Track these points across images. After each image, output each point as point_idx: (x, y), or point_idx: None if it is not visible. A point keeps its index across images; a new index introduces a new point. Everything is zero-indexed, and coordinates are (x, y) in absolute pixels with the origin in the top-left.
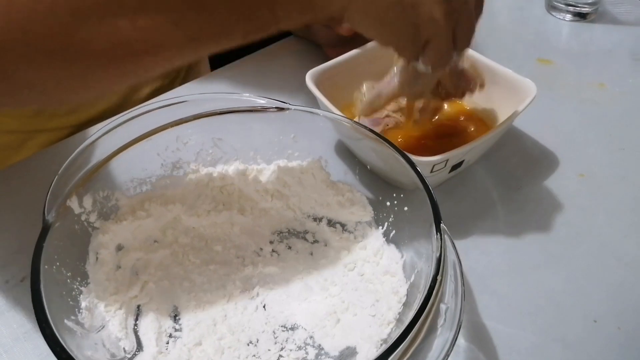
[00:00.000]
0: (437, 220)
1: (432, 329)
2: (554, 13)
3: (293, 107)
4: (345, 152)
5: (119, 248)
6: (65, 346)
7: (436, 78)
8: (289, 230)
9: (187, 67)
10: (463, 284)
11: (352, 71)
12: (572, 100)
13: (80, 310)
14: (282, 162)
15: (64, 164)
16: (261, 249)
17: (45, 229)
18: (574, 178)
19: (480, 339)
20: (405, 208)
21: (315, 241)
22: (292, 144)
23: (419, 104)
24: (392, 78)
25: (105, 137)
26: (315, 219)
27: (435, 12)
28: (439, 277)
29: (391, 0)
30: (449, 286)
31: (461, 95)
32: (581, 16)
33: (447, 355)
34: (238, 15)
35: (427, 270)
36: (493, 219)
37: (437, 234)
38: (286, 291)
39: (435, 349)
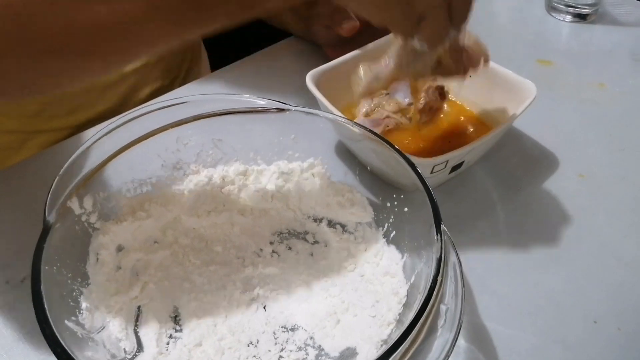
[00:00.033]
0: (437, 221)
1: (432, 329)
2: (554, 14)
3: (293, 108)
4: (345, 153)
5: (119, 249)
6: (65, 347)
7: (435, 56)
8: (289, 231)
9: (187, 68)
10: (463, 285)
11: (353, 72)
12: (572, 101)
13: (81, 311)
14: (282, 163)
15: (65, 165)
16: (261, 249)
17: (46, 230)
18: (574, 178)
19: (481, 340)
20: (406, 209)
21: (316, 242)
22: (293, 145)
23: (422, 84)
24: (390, 59)
25: (105, 138)
26: (315, 220)
27: None
28: (439, 278)
29: None
30: (449, 287)
31: (464, 72)
32: (581, 17)
33: (447, 356)
34: None
35: (427, 271)
36: (493, 219)
37: (437, 234)
38: (286, 292)
39: (436, 350)
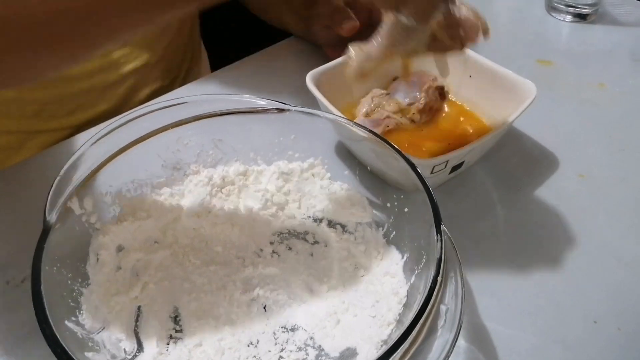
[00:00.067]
0: (438, 221)
1: (433, 330)
2: (554, 14)
3: (293, 108)
4: (345, 153)
5: (120, 249)
6: (65, 347)
7: (429, 31)
8: (289, 231)
9: (187, 68)
10: (463, 285)
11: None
12: (572, 101)
13: (81, 311)
14: (282, 163)
15: (65, 165)
16: (261, 249)
17: (46, 230)
18: (574, 179)
19: (481, 340)
20: (406, 209)
21: (316, 242)
22: (293, 145)
23: (414, 61)
24: (381, 37)
25: (106, 138)
26: (315, 220)
27: None
28: (439, 278)
29: None
30: (449, 287)
31: (461, 46)
32: (581, 17)
33: (448, 356)
34: None
35: (427, 272)
36: (493, 219)
37: (437, 235)
38: (286, 292)
39: (436, 350)
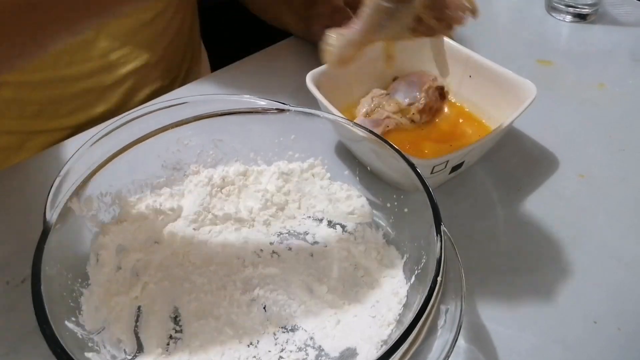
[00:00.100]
0: (437, 221)
1: (432, 330)
2: (554, 14)
3: (293, 109)
4: (345, 154)
5: (120, 249)
6: (65, 347)
7: (412, 14)
8: (289, 231)
9: (187, 68)
10: (463, 285)
11: (353, 73)
12: (572, 101)
13: (81, 312)
14: (282, 164)
15: (65, 165)
16: (261, 250)
17: (46, 230)
18: (574, 179)
19: (481, 340)
20: (406, 209)
21: (316, 242)
22: (293, 145)
23: (397, 44)
24: (362, 20)
25: (106, 138)
26: (315, 220)
27: None
28: (439, 279)
29: None
30: (449, 287)
31: (447, 28)
32: (581, 17)
33: (447, 356)
34: None
35: (427, 272)
36: (493, 219)
37: (437, 235)
38: (286, 292)
39: (436, 350)
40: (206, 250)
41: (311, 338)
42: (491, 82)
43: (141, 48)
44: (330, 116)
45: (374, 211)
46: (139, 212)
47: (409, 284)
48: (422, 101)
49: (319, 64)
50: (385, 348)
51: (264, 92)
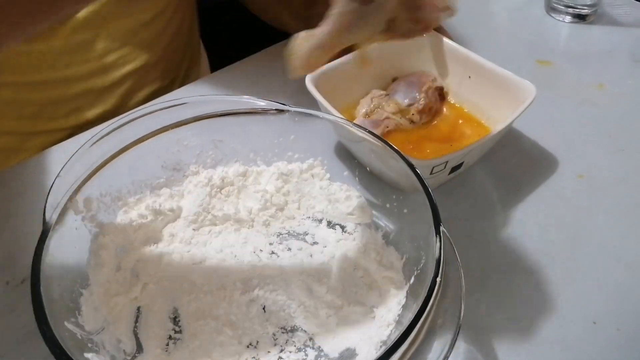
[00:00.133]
0: (437, 222)
1: (432, 330)
2: (553, 14)
3: (293, 109)
4: (344, 154)
5: (120, 250)
6: (65, 348)
7: (383, 15)
8: (288, 231)
9: (186, 68)
10: (462, 286)
11: (352, 73)
12: (571, 102)
13: (81, 312)
14: (281, 164)
15: (65, 166)
16: (261, 250)
17: (46, 231)
18: (573, 179)
19: (480, 340)
20: (405, 210)
21: (315, 243)
22: (292, 146)
23: (369, 47)
24: (331, 21)
25: (105, 138)
26: (314, 221)
27: None
28: (438, 279)
29: None
30: (449, 288)
31: (423, 30)
32: (580, 17)
33: (447, 356)
34: None
35: (426, 272)
36: (492, 220)
37: (436, 236)
38: (286, 293)
39: (435, 351)
40: (205, 250)
41: (310, 339)
42: (491, 82)
43: (140, 49)
44: (330, 117)
45: (374, 212)
46: (139, 213)
47: (408, 284)
48: (422, 102)
49: None
50: (384, 348)
51: (264, 92)
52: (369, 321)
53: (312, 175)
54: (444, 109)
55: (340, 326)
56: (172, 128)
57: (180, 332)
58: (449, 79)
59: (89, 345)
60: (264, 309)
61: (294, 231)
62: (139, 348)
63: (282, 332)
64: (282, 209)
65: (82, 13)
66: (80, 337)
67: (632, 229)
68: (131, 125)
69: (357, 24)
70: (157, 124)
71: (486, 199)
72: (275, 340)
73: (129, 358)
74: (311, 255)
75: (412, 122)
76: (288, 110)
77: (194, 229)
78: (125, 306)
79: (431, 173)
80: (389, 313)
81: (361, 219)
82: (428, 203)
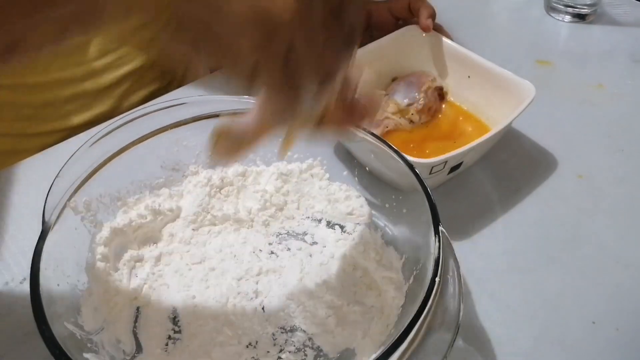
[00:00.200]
0: (436, 222)
1: (431, 330)
2: (553, 14)
3: None
4: (344, 154)
5: (119, 249)
6: (64, 349)
7: (323, 104)
8: (287, 231)
9: (184, 70)
10: (461, 286)
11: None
12: (570, 102)
13: (80, 312)
14: (281, 164)
15: (64, 166)
16: (260, 250)
17: (45, 231)
18: (573, 179)
19: (479, 340)
20: (404, 210)
21: (314, 242)
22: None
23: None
24: (258, 110)
25: (104, 139)
26: (314, 221)
27: (242, 12)
28: (437, 279)
29: None
30: (448, 288)
31: (357, 121)
32: (580, 17)
33: (446, 356)
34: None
35: (425, 272)
36: (492, 220)
37: (435, 236)
38: (285, 293)
39: (434, 351)
40: (205, 251)
41: (310, 339)
42: (490, 82)
43: (137, 50)
44: None
45: (373, 211)
46: (138, 213)
47: (407, 284)
48: (421, 102)
49: None
50: (383, 348)
51: None
52: (368, 321)
53: (312, 175)
54: (444, 109)
55: (340, 326)
56: (172, 128)
57: (179, 332)
58: (448, 78)
59: (89, 345)
60: (263, 309)
61: (293, 231)
62: (139, 348)
63: (282, 332)
64: (281, 209)
65: None
66: (79, 337)
67: (631, 229)
68: (130, 126)
69: (286, 113)
70: (156, 124)
71: (485, 199)
72: (274, 340)
73: (129, 358)
74: (310, 255)
75: (411, 122)
76: None
77: (193, 229)
78: (125, 306)
79: (430, 173)
80: (388, 313)
81: (360, 219)
82: (427, 203)
